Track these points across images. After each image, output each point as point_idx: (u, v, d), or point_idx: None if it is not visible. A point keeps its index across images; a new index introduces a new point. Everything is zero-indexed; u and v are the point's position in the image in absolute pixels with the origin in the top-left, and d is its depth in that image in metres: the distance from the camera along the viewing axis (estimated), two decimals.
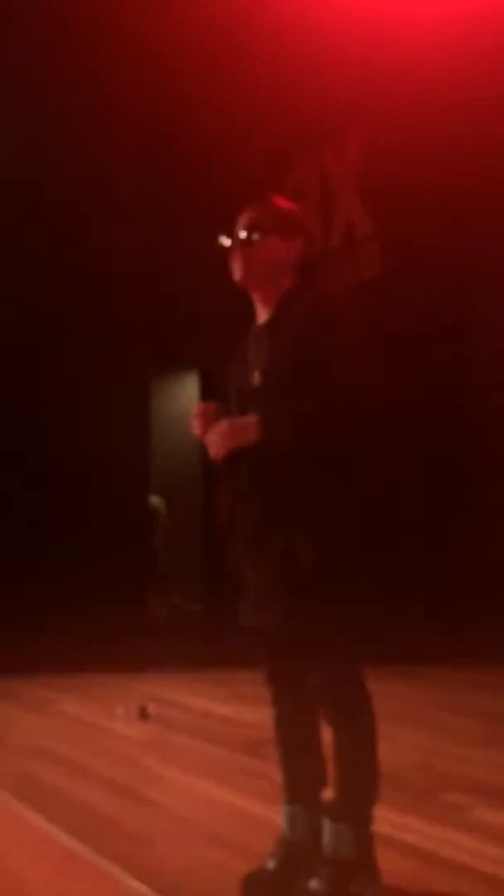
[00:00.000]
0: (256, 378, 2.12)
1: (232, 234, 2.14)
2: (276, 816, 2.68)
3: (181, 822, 2.72)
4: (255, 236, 2.12)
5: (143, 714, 4.27)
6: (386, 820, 2.58)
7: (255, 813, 2.76)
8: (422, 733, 3.70)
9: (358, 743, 2.07)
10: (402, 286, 7.74)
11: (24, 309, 8.25)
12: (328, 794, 2.14)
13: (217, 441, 2.04)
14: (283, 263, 2.15)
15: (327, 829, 2.01)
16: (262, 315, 2.20)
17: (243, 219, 2.16)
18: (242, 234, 2.13)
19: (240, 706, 4.50)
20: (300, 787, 2.16)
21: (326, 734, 2.13)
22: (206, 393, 11.16)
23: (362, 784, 2.06)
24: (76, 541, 8.06)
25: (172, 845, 2.51)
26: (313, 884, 1.97)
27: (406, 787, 2.93)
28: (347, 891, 1.95)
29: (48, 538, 7.97)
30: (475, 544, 6.38)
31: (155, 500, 9.69)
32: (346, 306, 2.11)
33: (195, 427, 2.15)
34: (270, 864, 2.12)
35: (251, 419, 2.02)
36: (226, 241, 2.16)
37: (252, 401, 2.10)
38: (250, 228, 2.13)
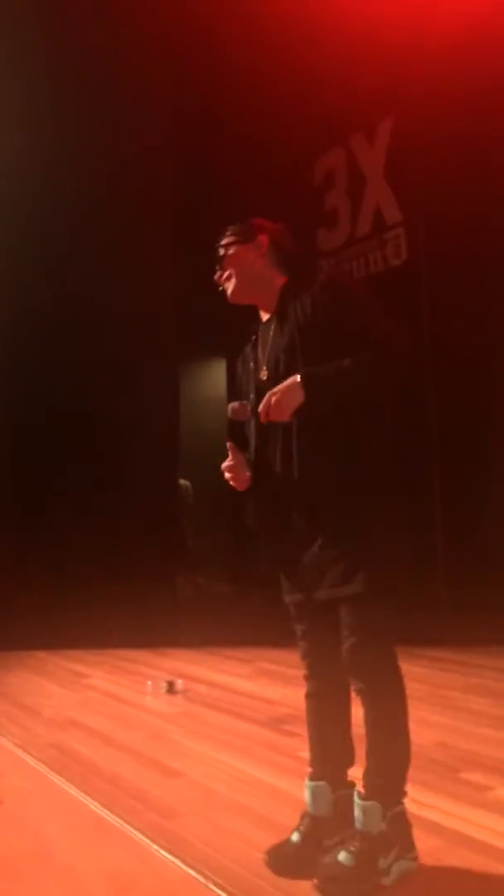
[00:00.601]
0: (264, 373, 2.20)
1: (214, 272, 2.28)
2: (300, 791, 2.75)
3: (208, 794, 2.81)
4: (223, 257, 2.25)
5: (171, 689, 4.38)
6: (410, 798, 2.64)
7: (279, 787, 2.83)
8: (441, 713, 3.75)
9: (389, 717, 2.10)
10: (428, 274, 7.72)
11: (60, 294, 8.34)
12: (354, 772, 2.21)
13: (277, 406, 2.04)
14: (257, 263, 2.25)
15: (357, 804, 2.06)
16: (265, 314, 2.30)
17: (216, 254, 2.30)
18: (218, 261, 2.27)
19: (264, 683, 4.59)
20: (326, 765, 2.22)
21: (356, 715, 2.19)
22: (233, 379, 11.21)
23: (392, 760, 2.09)
24: (107, 521, 8.18)
25: (199, 817, 2.60)
26: (342, 856, 2.03)
27: (427, 766, 2.98)
28: (375, 866, 2.00)
29: (80, 518, 8.10)
30: (496, 525, 6.39)
31: (183, 483, 9.79)
32: (347, 273, 2.20)
33: (231, 477, 2.25)
34: (294, 838, 2.20)
35: (291, 381, 2.04)
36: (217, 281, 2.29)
37: (264, 395, 2.12)
38: (218, 251, 2.27)
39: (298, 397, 2.02)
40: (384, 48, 7.82)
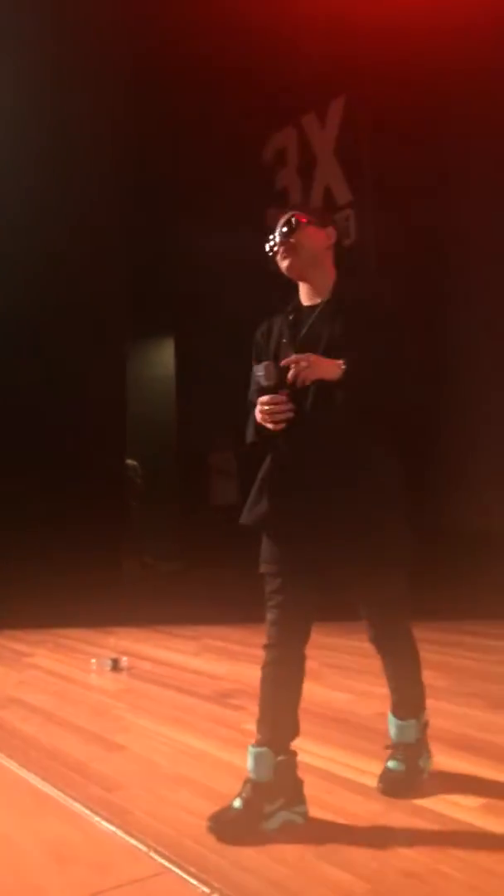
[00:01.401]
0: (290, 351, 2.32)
1: (273, 236, 2.39)
2: (242, 761, 2.77)
3: (150, 766, 2.80)
4: (293, 228, 2.36)
5: (116, 666, 4.35)
6: (350, 766, 2.69)
7: (222, 758, 2.84)
8: (383, 686, 3.77)
9: (409, 661, 2.50)
10: (377, 255, 7.76)
11: (6, 272, 8.16)
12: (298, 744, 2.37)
13: (306, 367, 2.19)
14: (324, 248, 2.40)
15: (394, 725, 2.51)
16: (311, 298, 2.42)
17: (282, 219, 2.40)
18: (284, 230, 2.37)
19: (210, 659, 4.60)
20: (275, 731, 2.31)
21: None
22: (182, 358, 11.16)
23: (415, 691, 2.51)
24: (54, 501, 8.08)
25: (140, 788, 2.59)
26: (391, 763, 2.47)
27: (367, 735, 3.03)
28: (417, 765, 2.47)
29: (26, 497, 7.99)
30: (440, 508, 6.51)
31: (131, 462, 9.72)
32: (391, 289, 2.43)
33: (269, 413, 2.26)
34: (236, 804, 2.24)
35: (335, 360, 2.20)
36: (268, 245, 2.40)
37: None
38: (289, 223, 2.37)
39: (331, 373, 2.19)
40: (337, 28, 7.80)
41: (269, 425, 2.27)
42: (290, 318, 2.43)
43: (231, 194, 9.54)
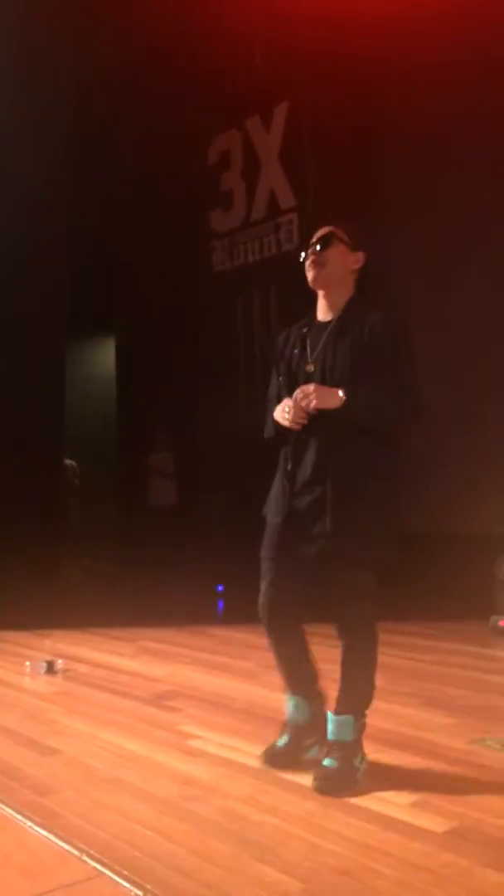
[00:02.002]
0: (311, 366, 2.53)
1: (307, 248, 2.59)
2: (181, 763, 2.77)
3: (84, 770, 2.76)
4: (328, 244, 2.57)
5: (51, 669, 4.28)
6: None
7: (158, 761, 2.82)
8: (323, 686, 3.83)
9: (365, 655, 2.56)
10: None
11: None
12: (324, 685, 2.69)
13: (310, 400, 2.44)
14: (350, 270, 2.60)
15: (331, 721, 2.53)
16: (325, 313, 2.61)
17: (318, 233, 2.61)
18: (317, 245, 2.57)
19: (147, 661, 4.56)
20: (300, 684, 2.68)
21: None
22: (122, 357, 11.07)
23: (359, 688, 2.57)
24: None
25: (75, 792, 2.55)
26: (327, 761, 2.51)
27: None
28: (352, 764, 2.50)
29: None
30: None
31: (69, 462, 9.58)
32: (407, 322, 2.56)
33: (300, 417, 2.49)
34: (281, 742, 2.67)
35: (337, 390, 2.43)
36: (302, 255, 2.61)
37: (306, 384, 2.50)
38: (324, 239, 2.57)
39: (334, 403, 2.42)
40: (281, 33, 7.87)
41: (287, 423, 2.52)
42: (304, 330, 2.62)
43: (174, 195, 9.52)
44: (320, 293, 2.63)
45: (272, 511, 2.62)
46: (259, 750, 2.85)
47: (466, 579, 5.85)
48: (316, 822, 2.26)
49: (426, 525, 6.15)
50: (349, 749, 2.51)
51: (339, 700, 2.55)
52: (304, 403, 2.46)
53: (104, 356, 11.54)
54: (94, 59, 8.96)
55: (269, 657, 4.62)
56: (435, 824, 2.20)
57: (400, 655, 4.41)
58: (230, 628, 5.71)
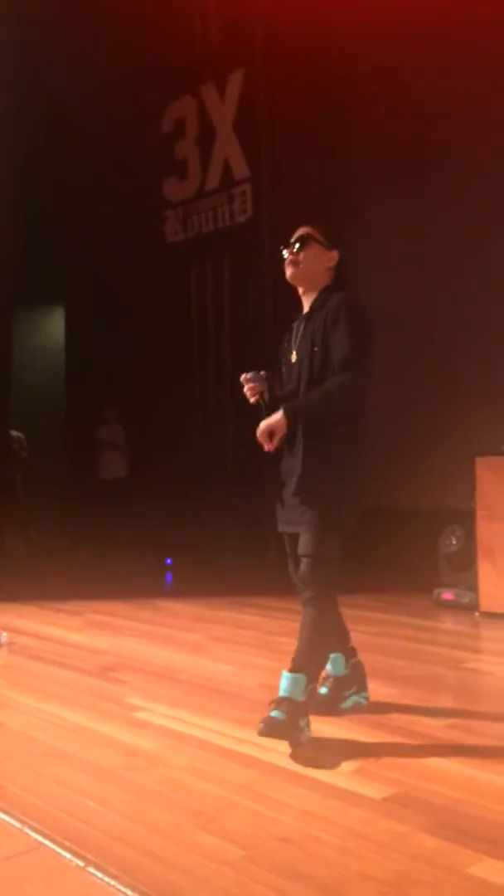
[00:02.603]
0: (293, 356, 2.82)
1: (287, 246, 2.84)
2: (123, 734, 2.77)
3: (29, 742, 2.74)
4: (304, 245, 2.81)
5: None
6: (230, 736, 2.72)
7: (101, 731, 2.81)
8: (266, 657, 3.88)
9: (320, 618, 2.73)
10: (271, 232, 7.80)
11: None
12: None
13: (265, 438, 2.73)
14: (325, 268, 2.83)
15: (284, 678, 2.64)
16: (305, 307, 2.86)
17: (295, 234, 2.85)
18: (295, 244, 2.82)
19: (94, 634, 4.54)
20: (337, 643, 2.93)
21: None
22: (72, 328, 10.90)
23: (311, 650, 2.71)
24: None
25: (18, 764, 2.53)
26: (274, 713, 2.57)
27: (249, 706, 3.07)
28: (297, 723, 2.59)
29: None
30: None
31: (15, 434, 9.42)
32: (360, 302, 2.76)
33: (250, 392, 2.78)
34: (323, 691, 2.91)
35: (278, 415, 2.71)
36: (284, 252, 2.84)
37: (291, 374, 2.84)
38: (300, 239, 2.82)
39: (282, 428, 2.70)
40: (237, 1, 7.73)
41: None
42: (293, 325, 2.90)
43: (127, 163, 9.34)
44: (299, 289, 2.88)
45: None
46: (204, 721, 2.88)
47: (411, 553, 5.95)
48: (258, 790, 2.28)
49: (373, 500, 6.20)
50: (298, 708, 2.60)
51: (294, 659, 2.69)
52: (266, 447, 2.77)
53: (53, 327, 11.34)
54: (44, 22, 8.69)
55: (217, 630, 4.68)
56: (374, 791, 2.24)
57: (350, 627, 4.46)
58: (179, 601, 5.72)
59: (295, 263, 2.81)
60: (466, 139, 6.26)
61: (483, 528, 4.98)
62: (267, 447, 2.76)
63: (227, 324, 8.62)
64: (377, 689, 3.17)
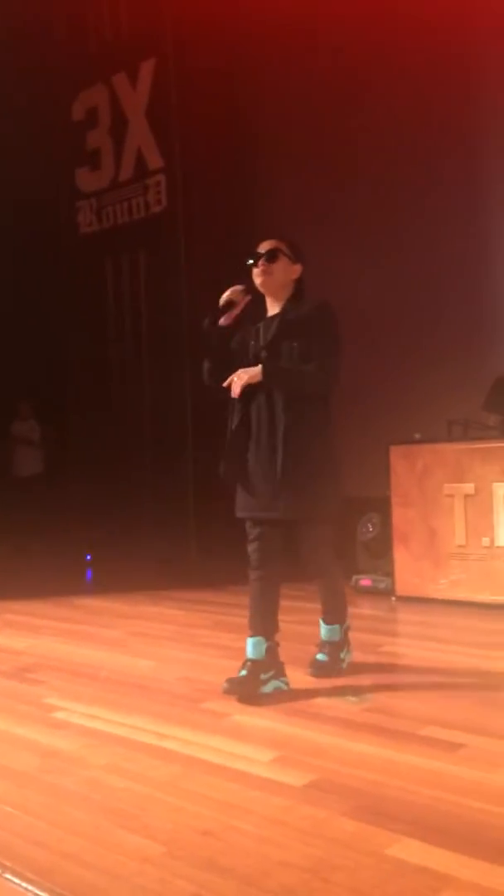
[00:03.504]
0: (264, 352, 3.11)
1: (254, 255, 3.17)
2: (41, 736, 2.72)
3: None
4: (274, 257, 3.16)
5: None
6: (151, 732, 2.70)
7: (17, 734, 2.75)
8: (187, 650, 3.88)
9: (335, 584, 3.35)
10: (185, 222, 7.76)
11: None
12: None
13: (238, 379, 3.05)
14: (290, 278, 3.20)
15: (324, 628, 3.33)
16: (272, 310, 3.22)
17: (265, 245, 3.19)
18: (266, 256, 3.16)
19: (10, 634, 4.44)
20: (265, 625, 3.15)
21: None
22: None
23: (340, 604, 3.35)
24: None
25: None
26: (319, 656, 3.31)
27: (169, 700, 3.07)
28: (338, 657, 3.32)
29: None
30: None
31: None
32: (334, 309, 3.14)
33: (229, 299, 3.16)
34: (242, 672, 3.09)
35: (256, 368, 3.06)
36: (250, 260, 3.18)
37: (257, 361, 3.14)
38: (271, 252, 3.16)
39: (256, 378, 3.04)
40: None
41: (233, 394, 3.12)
42: (259, 325, 3.22)
43: (38, 151, 9.10)
44: (268, 297, 3.24)
45: (231, 473, 3.16)
46: (125, 718, 2.85)
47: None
48: (179, 785, 2.27)
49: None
50: (337, 646, 3.31)
51: (325, 614, 3.32)
52: (235, 387, 3.08)
53: None
54: None
55: (137, 625, 4.63)
56: (294, 778, 2.26)
57: None
58: (98, 597, 5.64)
59: (268, 273, 3.16)
60: (378, 122, 6.29)
61: (398, 515, 5.09)
62: (235, 391, 3.07)
63: (144, 316, 8.53)
64: (297, 677, 3.20)
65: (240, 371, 3.08)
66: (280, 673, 3.14)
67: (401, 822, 1.95)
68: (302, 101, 6.81)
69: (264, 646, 3.10)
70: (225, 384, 3.11)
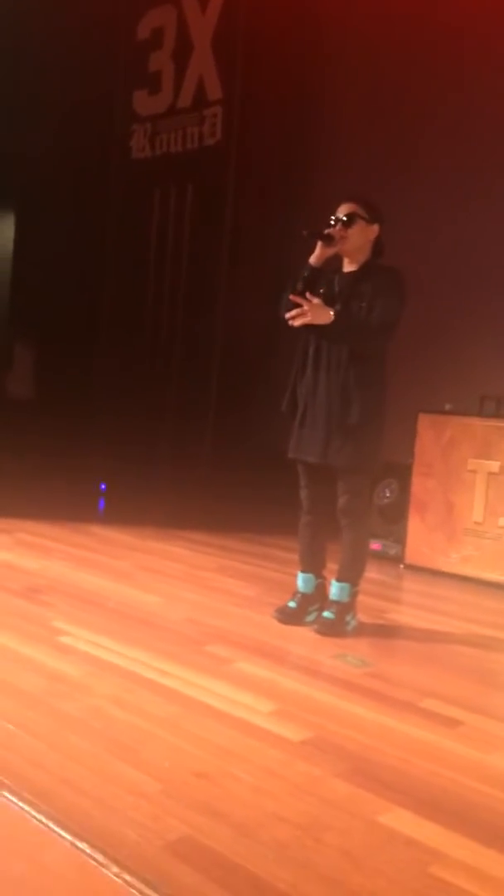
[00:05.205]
0: (337, 306, 3.19)
1: (333, 220, 3.26)
2: (47, 657, 2.75)
3: None
4: (352, 221, 3.26)
5: None
6: (154, 668, 2.73)
7: (24, 653, 2.79)
8: (193, 591, 3.91)
9: (360, 539, 3.42)
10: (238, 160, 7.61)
11: None
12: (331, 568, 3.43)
13: (308, 312, 3.14)
14: (368, 238, 3.32)
15: (334, 586, 3.36)
16: (349, 267, 3.35)
17: (343, 208, 3.29)
18: (343, 219, 3.26)
19: (23, 553, 4.48)
20: (313, 564, 3.45)
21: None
22: (21, 236, 10.41)
23: (359, 563, 3.40)
24: None
25: None
26: (326, 613, 3.35)
27: (174, 639, 3.10)
28: (344, 619, 3.34)
29: None
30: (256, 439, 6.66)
31: None
32: (404, 275, 3.28)
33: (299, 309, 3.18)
34: (291, 604, 3.43)
35: (329, 310, 3.16)
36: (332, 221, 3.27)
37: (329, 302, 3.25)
38: (349, 218, 3.26)
39: (325, 318, 3.14)
40: None
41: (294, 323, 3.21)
42: (336, 277, 3.34)
43: (98, 71, 8.85)
44: (345, 256, 3.35)
45: (290, 414, 3.38)
46: (128, 650, 2.88)
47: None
48: (179, 724, 2.30)
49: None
50: (344, 607, 3.33)
51: (340, 571, 3.36)
52: (301, 320, 3.16)
53: (2, 237, 10.84)
54: None
55: (146, 559, 4.66)
56: (292, 733, 2.29)
57: (273, 568, 4.52)
58: (112, 528, 5.68)
59: (345, 238, 3.25)
60: (453, 71, 6.04)
61: (418, 484, 5.05)
62: (299, 320, 3.14)
63: (185, 249, 8.39)
64: (301, 632, 3.23)
65: (314, 304, 3.15)
66: (324, 607, 3.39)
67: (394, 791, 1.97)
68: (369, 48, 6.55)
69: (314, 582, 3.43)
70: (290, 315, 3.16)
